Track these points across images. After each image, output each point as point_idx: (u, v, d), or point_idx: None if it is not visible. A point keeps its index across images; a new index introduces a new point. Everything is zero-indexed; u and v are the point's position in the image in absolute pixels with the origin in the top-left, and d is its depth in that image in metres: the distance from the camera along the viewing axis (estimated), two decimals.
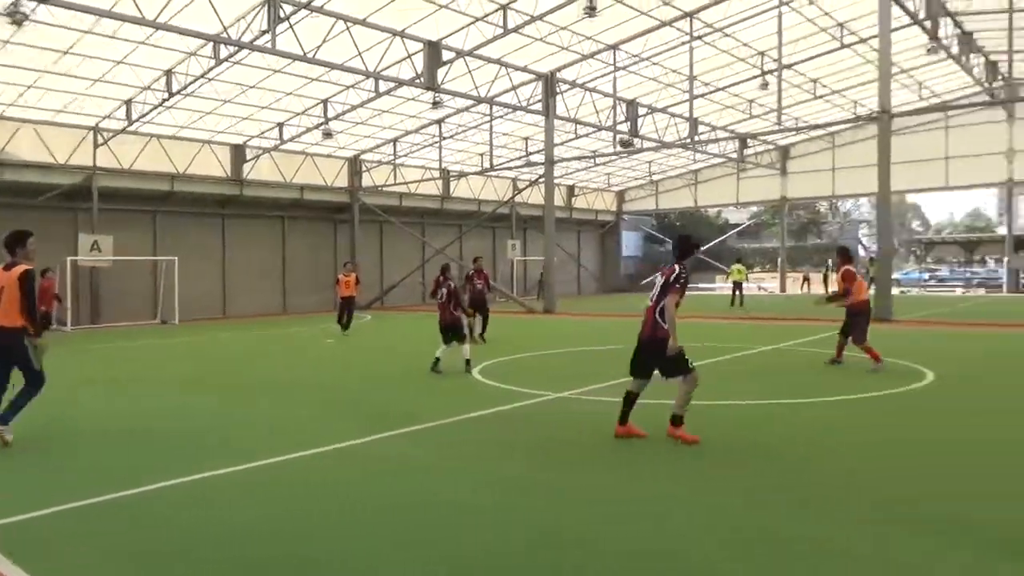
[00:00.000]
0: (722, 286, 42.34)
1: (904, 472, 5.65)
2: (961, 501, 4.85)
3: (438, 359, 11.03)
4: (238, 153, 27.47)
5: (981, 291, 40.25)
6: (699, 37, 23.76)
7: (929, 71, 30.01)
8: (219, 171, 27.04)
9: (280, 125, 26.47)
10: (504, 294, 30.48)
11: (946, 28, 24.73)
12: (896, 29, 21.16)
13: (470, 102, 25.40)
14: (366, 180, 31.72)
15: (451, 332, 11.19)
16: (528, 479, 5.52)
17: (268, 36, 16.95)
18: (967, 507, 4.72)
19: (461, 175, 34.47)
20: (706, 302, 32.60)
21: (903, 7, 20.87)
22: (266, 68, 20.91)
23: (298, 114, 25.57)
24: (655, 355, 6.51)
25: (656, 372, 6.63)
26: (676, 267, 6.49)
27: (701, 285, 49.90)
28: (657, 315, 6.45)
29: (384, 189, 32.15)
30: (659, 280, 6.61)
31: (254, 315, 27.29)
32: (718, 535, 4.29)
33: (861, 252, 76.88)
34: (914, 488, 5.20)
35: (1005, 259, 37.17)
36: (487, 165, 31.49)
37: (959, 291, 41.66)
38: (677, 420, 6.51)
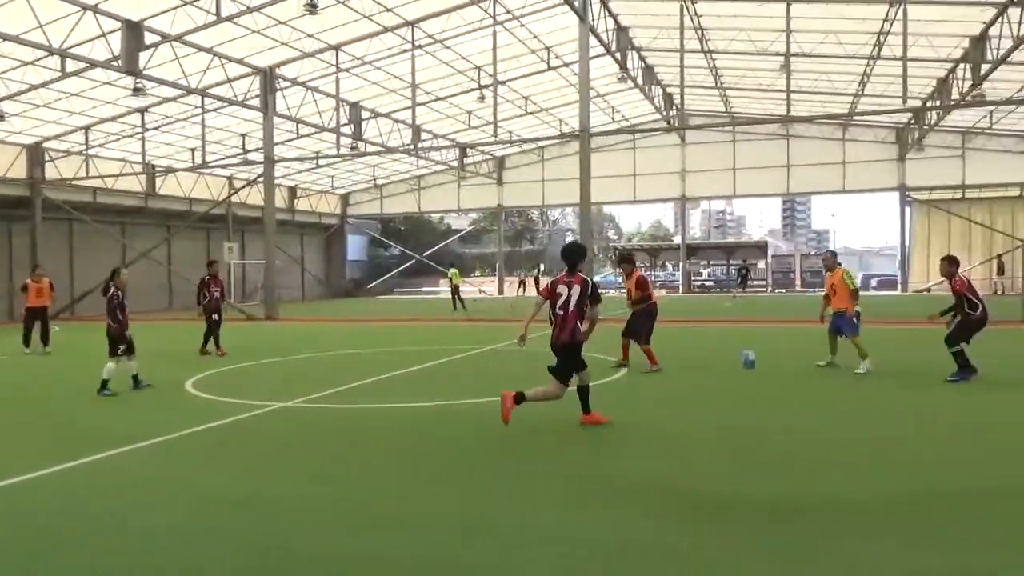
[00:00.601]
0: (446, 289, 43.72)
1: (598, 453, 6.35)
2: (645, 475, 5.59)
3: (136, 376, 9.84)
4: None
5: (663, 291, 46.38)
6: (420, 46, 24.41)
7: (620, 97, 33.95)
8: None
9: None
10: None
11: (633, 61, 28.23)
12: (593, 57, 23.60)
13: (179, 92, 23.45)
14: (50, 172, 27.70)
15: (117, 343, 9.70)
16: (252, 494, 5.27)
17: None
18: (649, 479, 5.46)
19: (169, 171, 31.60)
20: (431, 305, 33.56)
21: (598, 38, 23.40)
22: None
23: None
24: (567, 355, 6.92)
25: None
26: (585, 278, 7.03)
27: (425, 289, 51.20)
28: (579, 321, 6.87)
29: (74, 183, 28.37)
30: (569, 290, 6.92)
31: None
32: (448, 531, 4.48)
33: None
34: (608, 467, 5.88)
35: (680, 264, 43.26)
36: (199, 161, 29.30)
37: None
38: (520, 398, 6.80)
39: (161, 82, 20.93)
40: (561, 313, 6.91)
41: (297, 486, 5.46)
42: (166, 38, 19.22)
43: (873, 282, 46.28)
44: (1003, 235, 33.14)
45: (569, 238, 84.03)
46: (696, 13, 24.43)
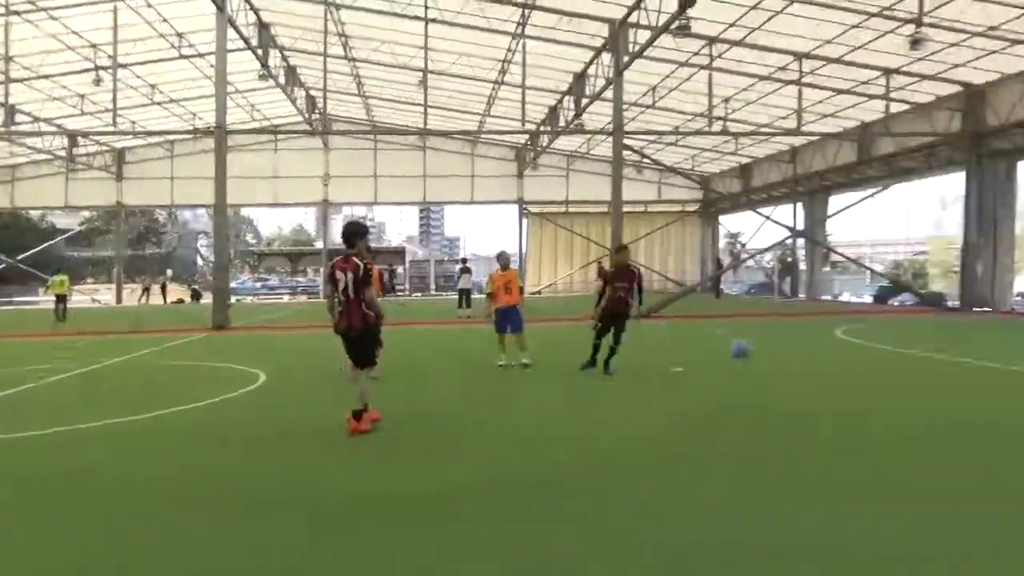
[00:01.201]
0: (48, 299, 37.74)
1: (260, 462, 6.13)
2: (302, 478, 5.56)
3: None
4: None
5: (304, 298, 45.83)
6: (17, 12, 20.77)
7: (261, 96, 32.70)
8: None
9: None
10: None
11: (275, 60, 27.41)
12: (232, 51, 22.37)
13: None
14: None
15: None
16: None
17: None
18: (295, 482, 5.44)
19: None
20: (28, 318, 28.79)
21: (238, 31, 22.27)
22: None
23: None
24: (365, 341, 6.97)
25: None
26: (357, 262, 6.83)
27: (18, 299, 43.48)
28: (365, 307, 6.82)
29: None
30: (345, 276, 6.79)
31: None
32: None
33: (199, 262, 78.60)
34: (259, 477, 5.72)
35: (322, 269, 43.11)
36: None
37: (286, 298, 46.58)
38: (359, 414, 6.72)
39: None
40: (344, 299, 6.87)
41: None
42: None
43: None
44: (596, 244, 39.33)
45: (201, 241, 78.56)
46: (340, 20, 24.62)
